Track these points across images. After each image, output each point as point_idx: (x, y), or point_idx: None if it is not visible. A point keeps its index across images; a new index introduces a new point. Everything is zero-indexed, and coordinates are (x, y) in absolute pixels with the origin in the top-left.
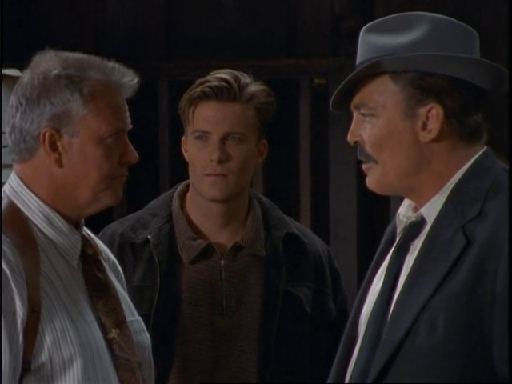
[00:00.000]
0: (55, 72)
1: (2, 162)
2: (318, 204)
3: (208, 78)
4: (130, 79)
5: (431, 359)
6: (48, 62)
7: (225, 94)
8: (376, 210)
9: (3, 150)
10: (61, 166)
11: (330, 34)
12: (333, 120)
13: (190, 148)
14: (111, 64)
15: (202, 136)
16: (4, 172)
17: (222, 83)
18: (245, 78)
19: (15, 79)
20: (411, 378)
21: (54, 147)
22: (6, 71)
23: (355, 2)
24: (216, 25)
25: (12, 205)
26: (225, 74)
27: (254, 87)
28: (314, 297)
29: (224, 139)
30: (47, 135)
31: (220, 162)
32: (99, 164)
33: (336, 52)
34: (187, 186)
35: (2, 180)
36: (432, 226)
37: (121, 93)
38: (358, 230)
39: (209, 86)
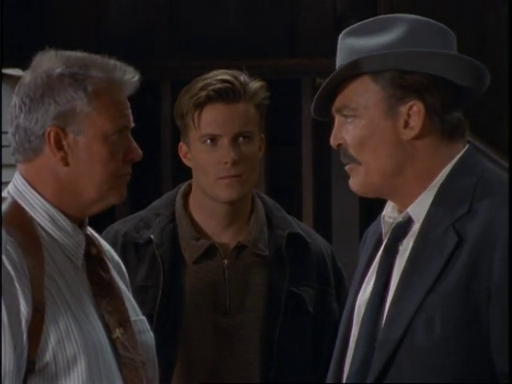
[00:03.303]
0: (58, 71)
1: (3, 162)
2: (320, 204)
3: (208, 80)
4: (131, 76)
5: (430, 358)
6: (50, 61)
7: (230, 95)
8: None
9: (4, 149)
10: (67, 164)
11: (332, 33)
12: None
13: (197, 153)
14: (112, 62)
15: (212, 139)
16: (4, 172)
17: (226, 84)
18: (243, 77)
19: (16, 79)
20: (411, 377)
21: (59, 146)
22: (6, 71)
23: (357, 1)
24: (218, 24)
25: (16, 204)
26: (224, 74)
27: (254, 85)
28: (317, 296)
29: (234, 140)
30: (52, 134)
31: (234, 163)
32: (105, 162)
33: None
34: (190, 186)
35: (3, 180)
36: (422, 225)
37: (123, 90)
38: (360, 230)
39: (213, 90)
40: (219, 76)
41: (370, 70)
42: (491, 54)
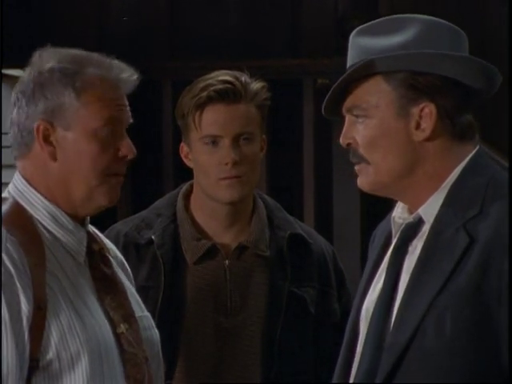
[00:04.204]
0: (49, 65)
1: (3, 163)
2: (321, 204)
3: (209, 81)
4: (128, 74)
5: (440, 358)
6: (46, 57)
7: (230, 95)
8: (380, 211)
9: (4, 150)
10: (55, 159)
11: (333, 34)
12: (336, 120)
13: (198, 154)
14: (109, 60)
15: (213, 140)
16: (4, 172)
17: (227, 85)
18: (244, 77)
19: (16, 79)
20: (420, 378)
21: (47, 141)
22: (6, 71)
23: (358, 1)
24: (219, 25)
25: (17, 204)
26: (225, 75)
27: (255, 85)
28: (318, 297)
29: (235, 141)
30: (41, 128)
31: (235, 164)
32: (93, 157)
33: (339, 52)
34: (191, 186)
35: (3, 180)
36: (432, 225)
37: (118, 87)
38: (361, 231)
39: (214, 90)
40: (220, 77)
41: (383, 69)
42: (491, 55)
